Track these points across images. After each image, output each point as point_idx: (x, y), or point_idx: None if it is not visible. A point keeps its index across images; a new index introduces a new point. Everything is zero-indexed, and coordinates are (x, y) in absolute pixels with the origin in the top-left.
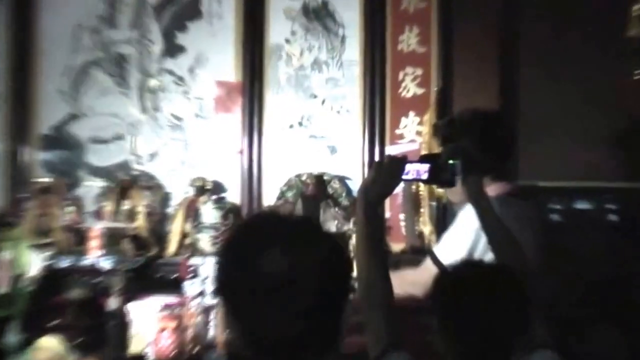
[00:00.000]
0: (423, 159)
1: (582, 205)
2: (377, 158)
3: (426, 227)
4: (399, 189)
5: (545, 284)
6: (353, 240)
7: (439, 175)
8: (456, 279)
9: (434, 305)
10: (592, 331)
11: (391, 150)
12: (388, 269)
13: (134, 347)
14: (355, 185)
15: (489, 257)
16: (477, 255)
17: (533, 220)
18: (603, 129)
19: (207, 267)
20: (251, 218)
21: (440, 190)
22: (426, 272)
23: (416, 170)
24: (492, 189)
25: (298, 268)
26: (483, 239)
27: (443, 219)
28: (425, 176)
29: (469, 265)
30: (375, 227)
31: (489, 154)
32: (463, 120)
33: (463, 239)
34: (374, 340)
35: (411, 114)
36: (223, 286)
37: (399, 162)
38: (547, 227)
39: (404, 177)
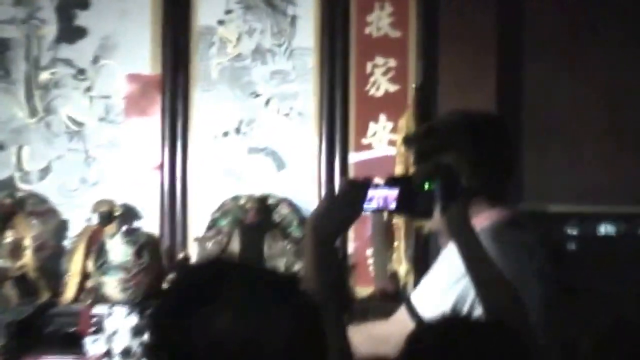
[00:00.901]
0: (391, 183)
1: (607, 229)
2: (337, 175)
3: (401, 266)
4: (366, 216)
5: (557, 343)
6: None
7: (412, 203)
8: (435, 341)
9: None
10: None
11: (356, 165)
12: (346, 330)
13: None
14: (309, 210)
15: (480, 310)
16: (467, 306)
17: (539, 258)
18: (631, 138)
19: (114, 319)
20: (199, 265)
21: None
22: (400, 326)
23: (383, 197)
24: (485, 217)
25: (260, 336)
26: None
27: (424, 256)
28: (393, 205)
29: (453, 322)
30: (328, 273)
31: (481, 172)
32: (445, 127)
33: (448, 285)
34: None
35: (382, 117)
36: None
37: (360, 187)
38: (560, 264)
39: (366, 206)
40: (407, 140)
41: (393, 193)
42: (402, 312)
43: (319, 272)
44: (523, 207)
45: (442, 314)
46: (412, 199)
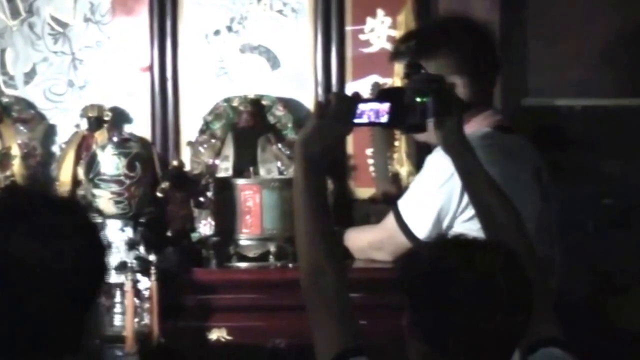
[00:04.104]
0: (382, 96)
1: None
2: (334, 73)
3: (402, 167)
4: None
5: (552, 258)
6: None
7: (404, 117)
8: (431, 266)
9: (407, 297)
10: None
11: (354, 62)
12: (339, 248)
13: None
14: (305, 111)
15: (466, 215)
16: (451, 212)
17: (533, 162)
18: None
19: (108, 233)
20: None
21: None
22: (389, 234)
23: (374, 110)
24: (475, 122)
25: (48, 258)
26: (457, 193)
27: (426, 156)
28: (385, 119)
29: (449, 244)
30: (319, 193)
31: (477, 80)
32: (436, 33)
33: (432, 191)
34: (325, 345)
35: (380, 12)
36: None
37: (349, 102)
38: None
39: (356, 121)
40: (396, 52)
41: (384, 107)
42: (390, 220)
43: (310, 194)
44: (528, 102)
45: (437, 234)
46: (404, 113)
